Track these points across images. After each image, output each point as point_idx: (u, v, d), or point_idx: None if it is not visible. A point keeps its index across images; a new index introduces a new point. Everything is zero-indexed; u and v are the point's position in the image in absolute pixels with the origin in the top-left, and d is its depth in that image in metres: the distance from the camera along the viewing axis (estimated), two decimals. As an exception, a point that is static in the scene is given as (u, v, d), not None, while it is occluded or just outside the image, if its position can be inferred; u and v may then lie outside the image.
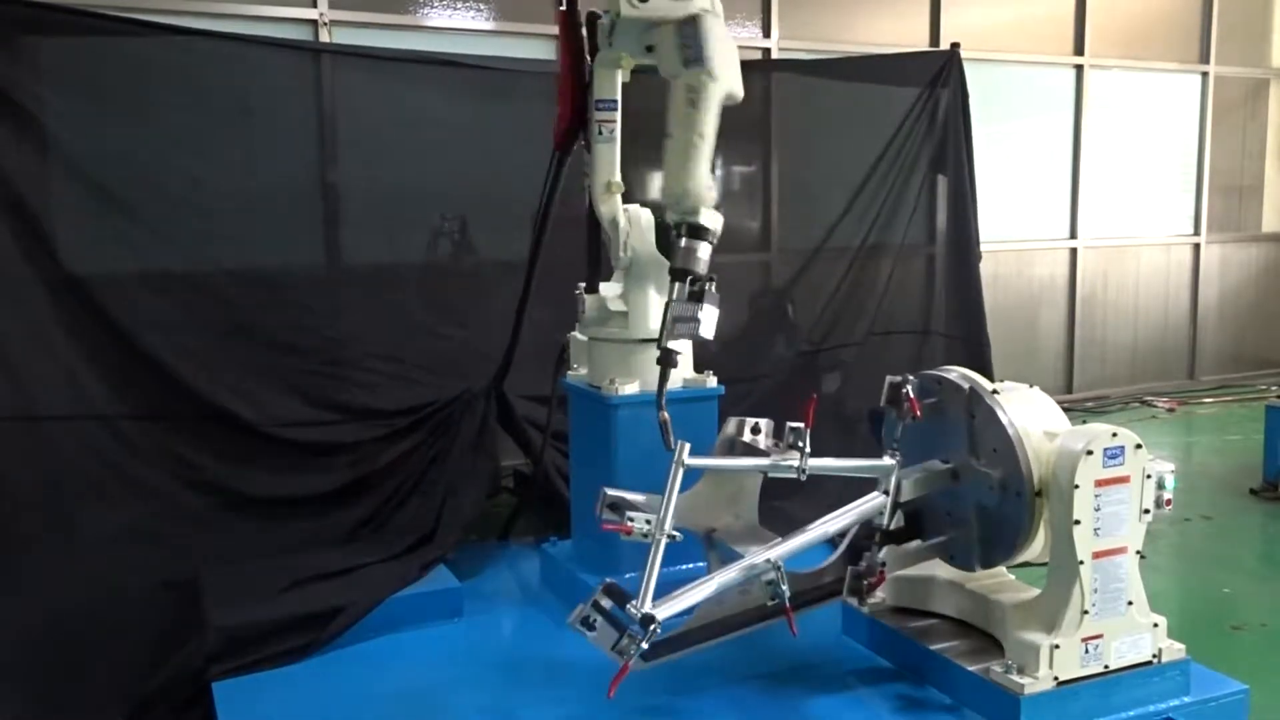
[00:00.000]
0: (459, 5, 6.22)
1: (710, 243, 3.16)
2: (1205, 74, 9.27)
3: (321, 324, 4.83)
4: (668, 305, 3.14)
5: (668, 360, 3.14)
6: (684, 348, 3.22)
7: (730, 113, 3.49)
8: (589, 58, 3.73)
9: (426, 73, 5.22)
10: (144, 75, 4.53)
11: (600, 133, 3.76)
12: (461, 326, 5.06)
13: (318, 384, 4.68)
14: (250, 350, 4.58)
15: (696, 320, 3.09)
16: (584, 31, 3.74)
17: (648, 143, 3.69)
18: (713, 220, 3.17)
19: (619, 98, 3.74)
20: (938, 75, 6.33)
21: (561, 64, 3.81)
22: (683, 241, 3.15)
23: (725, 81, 3.17)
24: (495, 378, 4.63)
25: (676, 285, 3.12)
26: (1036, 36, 8.48)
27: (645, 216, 3.82)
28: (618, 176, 3.80)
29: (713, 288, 3.12)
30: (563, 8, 3.77)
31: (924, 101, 6.31)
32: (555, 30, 6.47)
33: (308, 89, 4.98)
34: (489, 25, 6.31)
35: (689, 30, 3.20)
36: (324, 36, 5.81)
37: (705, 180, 3.15)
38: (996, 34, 8.14)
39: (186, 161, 4.59)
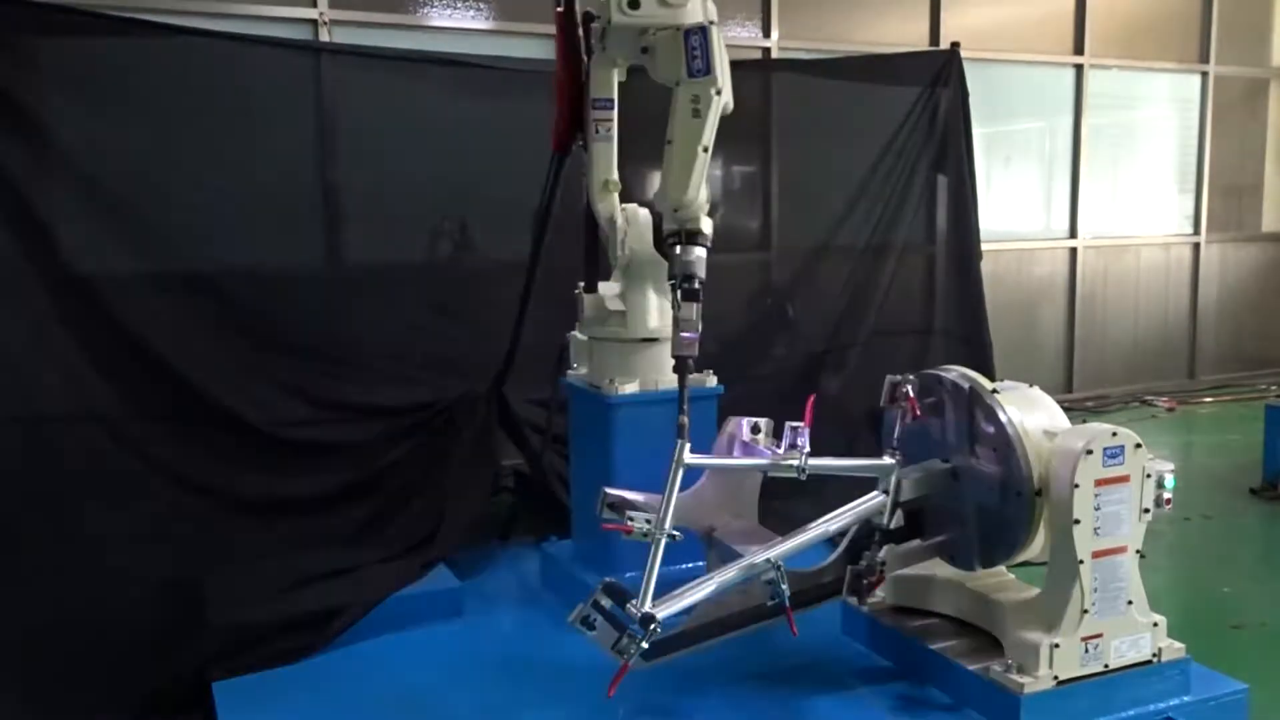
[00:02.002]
0: (459, 5, 6.22)
1: (706, 247, 3.26)
2: (1205, 73, 9.27)
3: (322, 324, 4.82)
4: (675, 316, 3.18)
5: (683, 367, 3.19)
6: (694, 350, 3.25)
7: (730, 112, 3.50)
8: (585, 57, 3.73)
9: (426, 72, 5.21)
10: (144, 75, 4.53)
11: (597, 131, 3.77)
12: (462, 326, 5.06)
13: (318, 384, 4.68)
14: (250, 350, 4.58)
15: (693, 320, 3.14)
16: (580, 31, 3.74)
17: (646, 143, 3.70)
18: (708, 226, 3.28)
19: (615, 96, 3.75)
20: (938, 75, 6.32)
21: (558, 64, 3.81)
22: (677, 249, 3.23)
23: (726, 93, 3.26)
24: (496, 380, 4.63)
25: (680, 293, 3.17)
26: (1036, 36, 8.48)
27: (643, 215, 3.82)
28: (615, 175, 3.81)
29: (696, 283, 3.20)
30: (560, 8, 3.77)
31: (924, 101, 6.31)
32: (554, 30, 6.55)
33: (308, 89, 4.98)
34: (489, 25, 6.31)
35: (696, 40, 3.26)
36: (324, 36, 5.81)
37: (704, 191, 3.26)
38: (996, 34, 8.14)
39: (187, 161, 4.58)
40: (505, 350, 4.59)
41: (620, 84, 3.78)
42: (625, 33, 3.44)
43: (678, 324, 3.16)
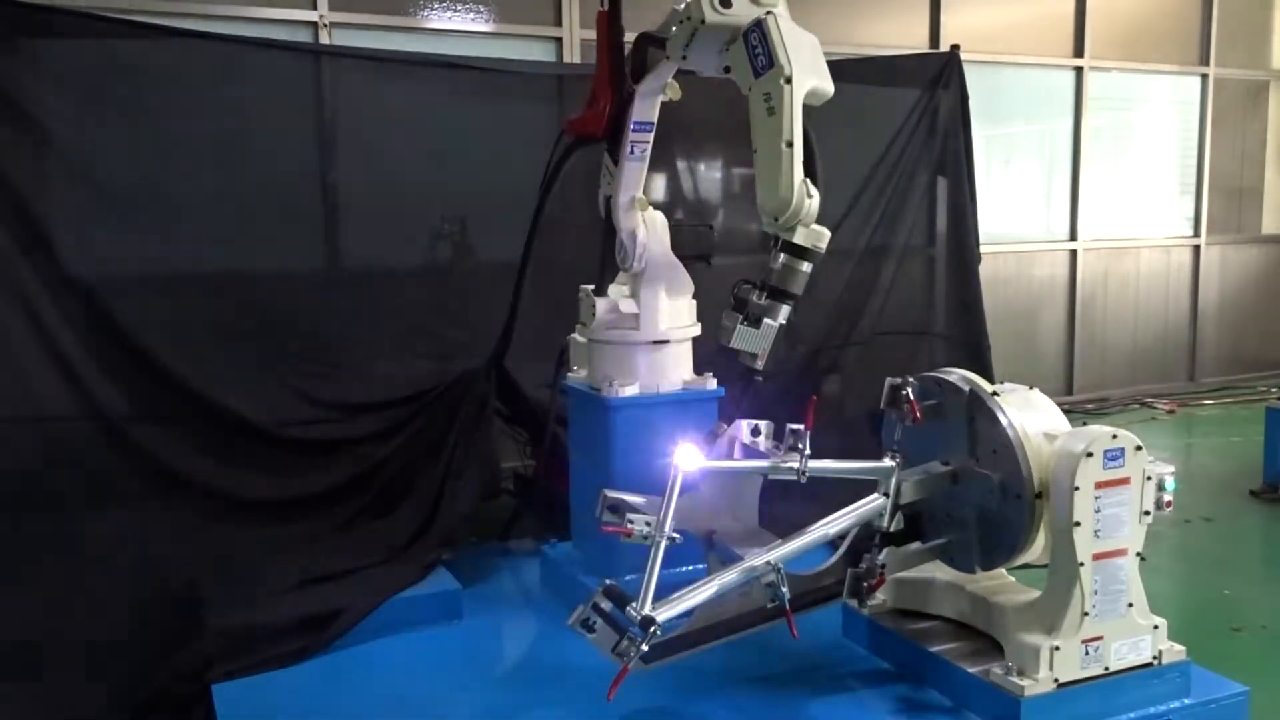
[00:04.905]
0: (458, 7, 6.23)
1: (811, 261, 3.08)
2: (1205, 76, 9.28)
3: (321, 324, 4.83)
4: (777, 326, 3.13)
5: (750, 376, 3.16)
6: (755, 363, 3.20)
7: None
8: (630, 78, 3.70)
9: (426, 74, 5.22)
10: (145, 77, 4.54)
11: (632, 151, 3.76)
12: (461, 327, 5.06)
13: (318, 384, 4.68)
14: (250, 350, 4.58)
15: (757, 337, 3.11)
16: (631, 50, 3.70)
17: (657, 147, 3.72)
18: (812, 237, 3.08)
19: (655, 120, 3.73)
20: (938, 77, 6.32)
21: (600, 67, 3.78)
22: (781, 259, 3.09)
23: (804, 79, 3.03)
24: (494, 355, 4.61)
25: (784, 307, 3.10)
26: (1036, 38, 8.49)
27: (660, 220, 3.85)
28: (641, 193, 3.83)
29: (762, 297, 3.12)
30: (604, 8, 3.74)
31: (924, 103, 6.30)
32: (555, 32, 6.55)
33: (308, 91, 4.98)
34: (488, 27, 6.32)
35: (755, 38, 3.09)
36: (324, 38, 5.82)
37: (801, 189, 3.01)
38: (997, 35, 8.15)
39: (187, 163, 4.59)
40: (503, 337, 4.57)
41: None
42: (713, 37, 3.23)
43: (730, 333, 3.11)
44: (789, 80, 3.00)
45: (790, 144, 2.98)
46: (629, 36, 3.75)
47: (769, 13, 3.11)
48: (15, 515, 4.00)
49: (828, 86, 3.11)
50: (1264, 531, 5.72)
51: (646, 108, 3.73)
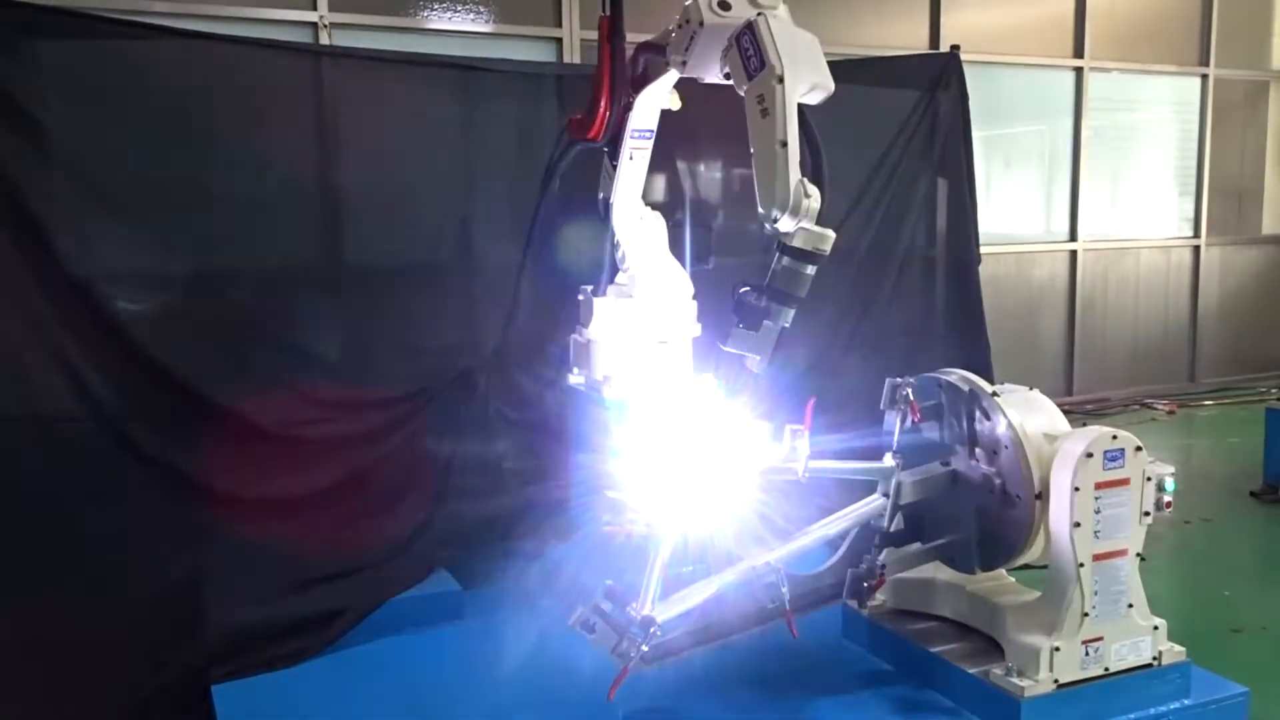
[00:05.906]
0: (458, 7, 6.23)
1: (814, 263, 3.02)
2: (1205, 76, 9.29)
3: (321, 323, 4.83)
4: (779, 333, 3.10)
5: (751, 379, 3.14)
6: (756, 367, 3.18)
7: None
8: (630, 85, 3.70)
9: (426, 75, 5.21)
10: (145, 78, 4.53)
11: (631, 157, 3.77)
12: (461, 327, 5.06)
13: (318, 384, 4.67)
14: (250, 350, 4.58)
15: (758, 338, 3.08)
16: (625, 53, 3.69)
17: (658, 147, 3.72)
18: (813, 239, 3.00)
19: (655, 128, 3.74)
20: (938, 78, 6.32)
21: (600, 72, 3.78)
22: (783, 261, 3.04)
23: (799, 78, 2.95)
24: (494, 354, 4.60)
25: (785, 310, 3.06)
26: (1036, 39, 8.50)
27: (657, 219, 3.85)
28: (640, 196, 3.83)
29: (761, 300, 3.09)
30: (605, 13, 3.74)
31: (924, 104, 6.31)
32: (555, 33, 6.56)
33: (308, 91, 4.98)
34: (488, 27, 6.32)
35: (746, 41, 3.03)
36: (324, 39, 5.82)
37: (798, 190, 2.92)
38: (997, 36, 8.16)
39: (187, 163, 4.58)
40: (503, 336, 4.57)
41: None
42: (713, 41, 3.17)
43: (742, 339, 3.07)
44: (780, 80, 2.94)
45: (785, 144, 2.93)
46: (630, 40, 3.76)
47: (760, 14, 3.09)
48: (15, 515, 3.99)
49: (828, 84, 3.08)
50: (1264, 532, 5.73)
51: (646, 115, 3.73)
